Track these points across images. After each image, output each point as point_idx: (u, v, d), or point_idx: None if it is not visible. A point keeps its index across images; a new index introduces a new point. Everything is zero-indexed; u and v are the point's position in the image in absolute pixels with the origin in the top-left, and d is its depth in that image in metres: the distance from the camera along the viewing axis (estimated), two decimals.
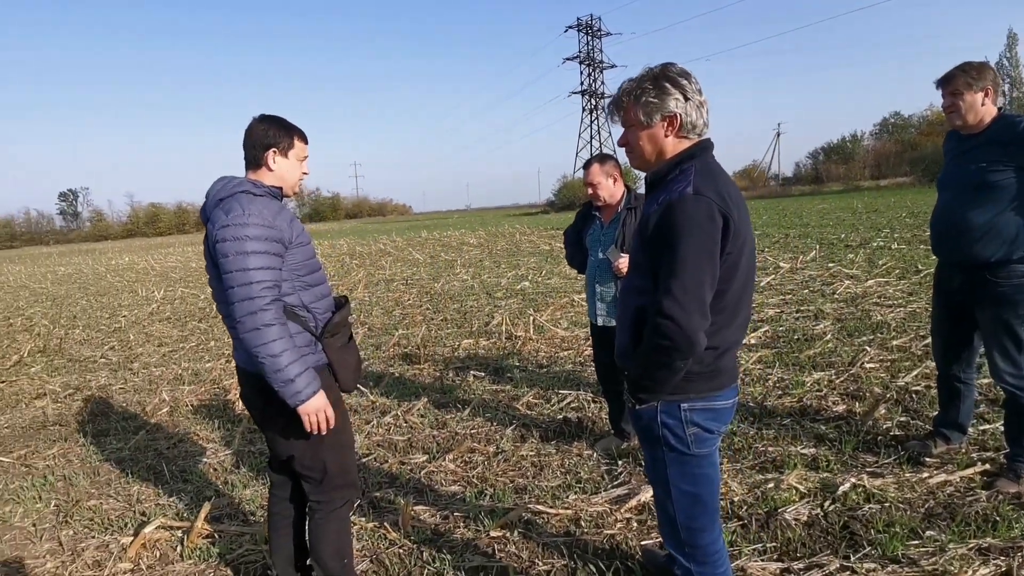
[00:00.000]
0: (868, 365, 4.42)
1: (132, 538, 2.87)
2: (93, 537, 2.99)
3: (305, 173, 2.13)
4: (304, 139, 2.07)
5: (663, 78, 1.60)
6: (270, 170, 2.00)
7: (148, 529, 2.87)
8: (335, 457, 2.13)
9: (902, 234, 11.90)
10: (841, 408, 3.73)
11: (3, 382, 6.29)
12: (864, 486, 2.78)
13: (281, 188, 2.04)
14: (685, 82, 1.60)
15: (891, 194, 29.90)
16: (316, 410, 1.93)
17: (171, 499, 3.33)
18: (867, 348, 4.80)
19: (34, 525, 3.19)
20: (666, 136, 1.63)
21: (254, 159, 1.99)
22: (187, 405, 4.96)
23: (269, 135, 1.98)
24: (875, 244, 10.79)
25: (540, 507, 2.86)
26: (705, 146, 1.65)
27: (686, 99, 1.60)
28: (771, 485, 2.85)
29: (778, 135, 71.25)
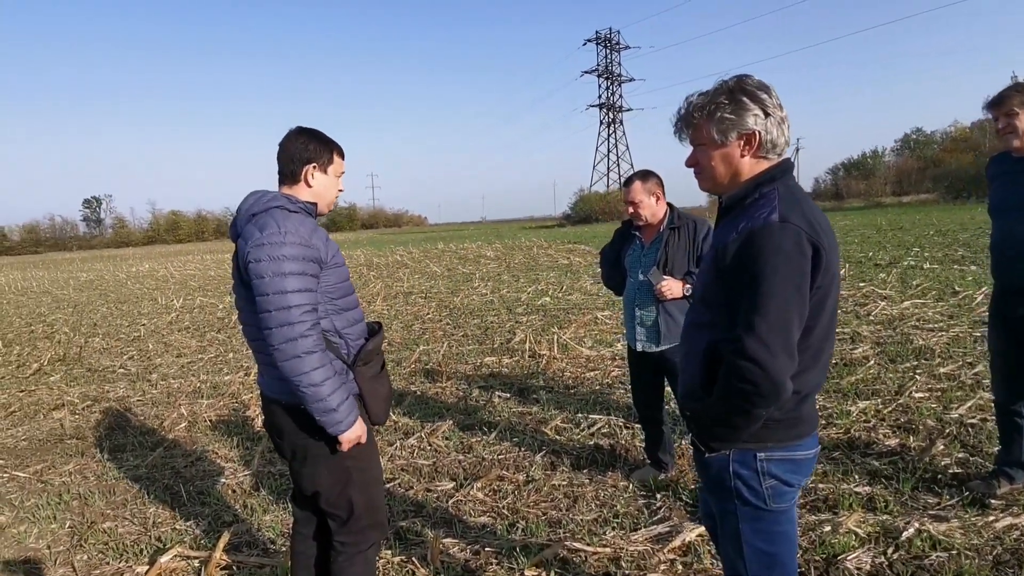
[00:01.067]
0: (917, 395, 4.19)
1: (147, 567, 2.74)
2: (107, 564, 2.87)
3: (340, 190, 2.02)
4: (342, 155, 1.97)
5: (740, 92, 1.45)
6: (308, 186, 1.89)
7: (164, 559, 2.74)
8: (363, 495, 1.99)
9: (932, 253, 11.56)
10: (893, 442, 3.51)
11: (23, 391, 6.26)
12: (929, 531, 2.57)
13: (316, 205, 1.92)
14: (765, 96, 1.45)
15: (915, 211, 29.30)
16: (356, 439, 1.87)
17: (188, 524, 3.20)
18: (915, 376, 4.57)
19: (48, 547, 3.08)
20: (742, 156, 1.48)
21: (291, 174, 1.88)
22: (205, 420, 4.86)
23: (309, 149, 1.87)
24: (905, 263, 10.48)
25: (577, 544, 2.68)
26: (786, 167, 1.49)
27: (766, 115, 1.45)
28: (827, 528, 2.65)
29: (797, 150, 70.47)
